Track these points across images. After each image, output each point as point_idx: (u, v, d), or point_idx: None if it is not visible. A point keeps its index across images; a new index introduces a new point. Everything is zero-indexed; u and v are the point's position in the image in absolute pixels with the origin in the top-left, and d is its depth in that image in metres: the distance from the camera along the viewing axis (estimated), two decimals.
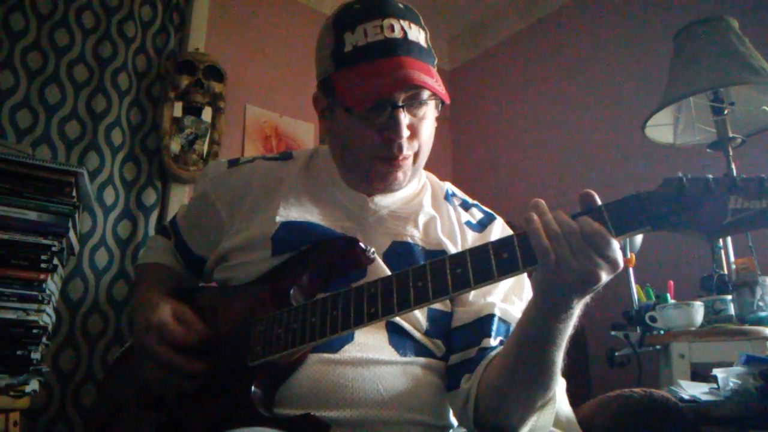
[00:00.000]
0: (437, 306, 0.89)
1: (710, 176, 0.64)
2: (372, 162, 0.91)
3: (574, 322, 0.72)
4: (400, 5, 0.91)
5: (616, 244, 0.64)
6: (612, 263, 0.64)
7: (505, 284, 0.91)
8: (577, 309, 0.70)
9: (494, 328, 0.86)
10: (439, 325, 0.89)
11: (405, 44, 0.87)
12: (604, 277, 0.64)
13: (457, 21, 3.28)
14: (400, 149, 0.89)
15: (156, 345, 0.86)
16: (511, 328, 0.87)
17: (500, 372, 0.79)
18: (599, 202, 0.67)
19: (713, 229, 0.64)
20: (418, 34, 0.90)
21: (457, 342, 0.88)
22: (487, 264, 0.68)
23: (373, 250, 0.87)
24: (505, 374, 0.78)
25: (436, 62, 0.93)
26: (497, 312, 0.87)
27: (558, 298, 0.68)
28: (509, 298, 0.91)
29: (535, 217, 0.66)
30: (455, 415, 0.89)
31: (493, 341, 0.85)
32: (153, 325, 0.87)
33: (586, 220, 0.65)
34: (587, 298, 0.69)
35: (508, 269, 0.67)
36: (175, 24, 2.43)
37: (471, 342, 0.86)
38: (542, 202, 0.68)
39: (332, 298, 0.77)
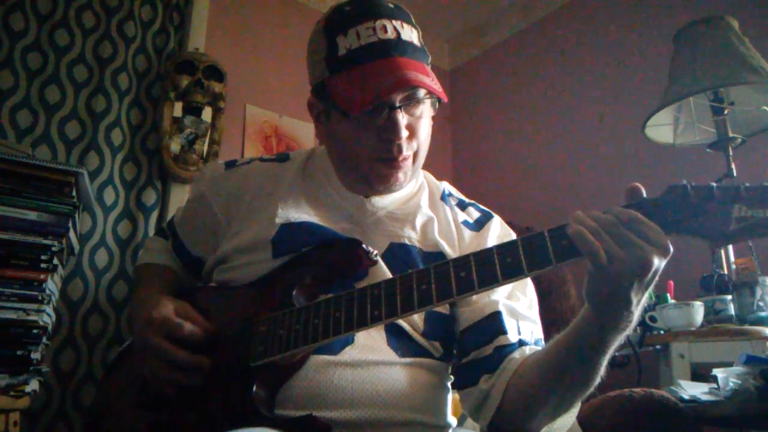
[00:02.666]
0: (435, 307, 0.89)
1: (714, 184, 0.64)
2: (372, 164, 0.91)
3: (631, 327, 0.69)
4: (390, 5, 0.91)
5: (658, 228, 0.63)
6: (660, 246, 0.62)
7: None
8: (636, 315, 0.67)
9: (506, 324, 0.86)
10: (436, 326, 0.90)
11: (399, 44, 0.86)
12: (656, 261, 0.62)
13: (457, 21, 3.28)
14: (400, 150, 0.89)
15: (159, 340, 0.85)
16: (520, 324, 0.88)
17: (541, 381, 0.78)
18: (644, 194, 0.67)
19: (717, 236, 0.64)
20: (411, 34, 0.89)
21: (469, 343, 0.88)
22: (491, 268, 0.68)
23: (376, 252, 0.87)
24: (546, 382, 0.77)
25: (430, 60, 0.93)
26: (502, 309, 0.87)
27: (616, 302, 0.65)
28: (513, 295, 0.91)
29: (574, 224, 0.65)
30: (467, 411, 0.89)
31: (511, 338, 0.85)
32: (156, 321, 0.86)
33: (620, 209, 0.65)
34: (644, 300, 0.67)
35: (512, 273, 0.67)
36: (175, 24, 2.43)
37: (483, 340, 0.86)
38: (579, 212, 0.66)
39: (335, 300, 0.77)
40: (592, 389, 0.76)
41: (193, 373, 0.84)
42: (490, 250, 0.69)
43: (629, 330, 0.69)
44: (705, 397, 1.28)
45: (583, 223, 0.64)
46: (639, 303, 0.66)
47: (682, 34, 1.94)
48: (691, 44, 1.88)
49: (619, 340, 0.70)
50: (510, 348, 0.84)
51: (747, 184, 0.63)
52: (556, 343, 0.78)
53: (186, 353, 0.84)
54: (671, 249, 0.63)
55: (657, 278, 0.65)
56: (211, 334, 0.87)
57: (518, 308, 0.89)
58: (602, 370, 0.74)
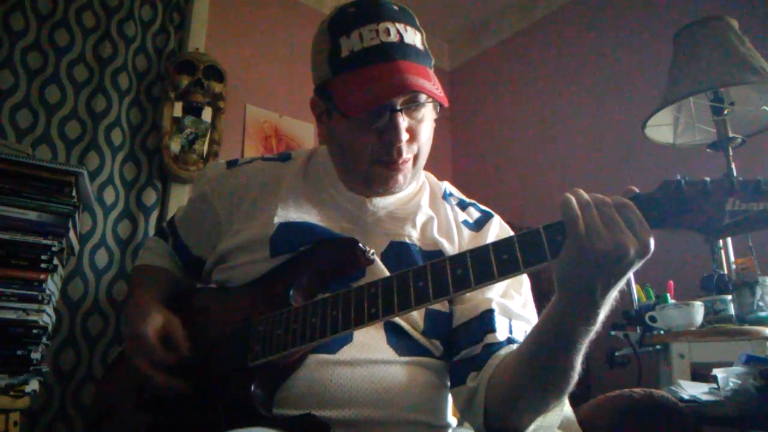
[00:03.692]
0: (435, 306, 0.88)
1: (708, 179, 0.64)
2: (372, 166, 0.91)
3: (596, 326, 0.68)
4: (395, 7, 0.90)
5: (646, 224, 0.63)
6: (642, 242, 0.62)
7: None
8: (602, 310, 0.67)
9: (496, 323, 0.85)
10: (437, 324, 0.89)
11: (401, 48, 0.86)
12: (632, 253, 0.62)
13: (457, 21, 3.29)
14: (400, 153, 0.89)
15: (137, 358, 0.87)
16: (512, 323, 0.87)
17: (513, 373, 0.77)
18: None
19: (711, 230, 0.64)
20: (414, 37, 0.89)
21: (461, 340, 0.88)
22: (487, 265, 0.68)
23: (372, 251, 0.87)
24: (519, 376, 0.77)
25: (433, 63, 0.93)
26: (495, 307, 0.87)
27: (581, 285, 0.64)
28: (508, 293, 0.91)
29: (567, 193, 0.66)
30: (459, 410, 0.89)
31: (500, 336, 0.84)
32: (137, 337, 0.88)
33: (616, 196, 0.65)
34: (610, 299, 0.66)
35: (508, 270, 0.67)
36: (175, 24, 2.44)
37: (474, 339, 0.86)
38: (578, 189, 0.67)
39: (332, 299, 0.77)
40: (570, 386, 0.75)
41: (166, 391, 0.85)
42: (486, 246, 0.69)
43: (594, 323, 0.68)
44: (705, 397, 1.28)
45: (575, 194, 0.65)
46: (604, 296, 0.65)
47: (682, 34, 1.94)
48: (691, 44, 1.88)
49: (586, 335, 0.69)
50: (498, 346, 0.84)
51: (741, 178, 0.63)
52: (528, 335, 0.79)
53: (160, 375, 0.85)
54: (651, 250, 0.63)
55: (626, 277, 0.64)
56: (185, 358, 0.88)
57: (512, 307, 0.88)
58: (577, 366, 0.72)
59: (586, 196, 0.65)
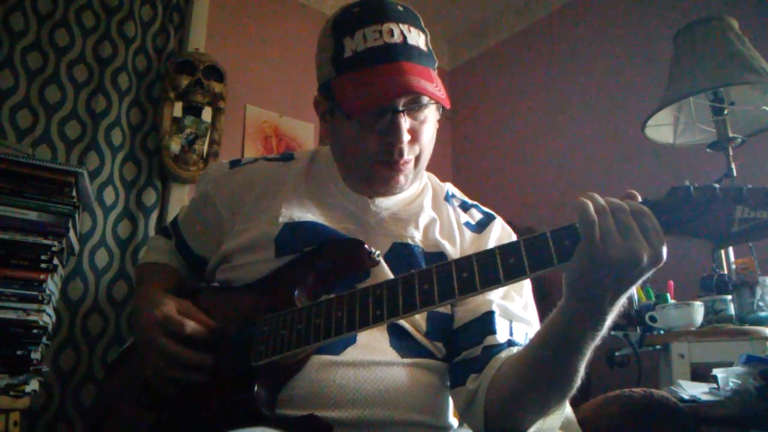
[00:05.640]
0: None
1: (717, 186, 0.64)
2: (373, 166, 0.91)
3: (603, 332, 0.68)
4: (400, 8, 0.91)
5: (661, 233, 0.63)
6: (655, 250, 0.62)
7: None
8: (609, 316, 0.67)
9: (496, 325, 0.86)
10: (439, 327, 0.89)
11: (404, 49, 0.86)
12: (645, 260, 0.62)
13: (457, 21, 3.29)
14: (401, 153, 0.89)
15: (162, 338, 0.85)
16: (513, 325, 0.87)
17: (516, 376, 0.77)
18: (639, 199, 0.67)
19: (720, 238, 0.64)
20: (417, 38, 0.89)
21: (461, 342, 0.88)
22: (493, 269, 0.67)
23: (378, 252, 0.87)
24: (521, 379, 0.77)
25: (436, 64, 0.93)
26: (495, 309, 0.87)
27: (591, 291, 0.65)
28: (509, 295, 0.91)
29: (582, 197, 0.65)
30: (458, 412, 0.89)
31: (500, 338, 0.84)
32: (158, 319, 0.87)
33: (633, 202, 0.65)
34: (618, 306, 0.66)
35: (514, 274, 0.67)
36: (175, 24, 2.43)
37: (474, 340, 0.86)
38: (593, 193, 0.67)
39: (337, 300, 0.77)
40: (573, 390, 0.75)
41: (195, 371, 0.84)
42: (492, 250, 0.69)
43: (601, 329, 0.68)
44: (705, 397, 1.28)
45: (592, 198, 0.65)
46: (613, 303, 0.66)
47: (682, 34, 1.94)
48: (691, 44, 1.88)
49: (592, 341, 0.69)
50: (498, 348, 0.84)
51: (749, 186, 0.63)
52: (533, 338, 0.78)
53: (188, 351, 0.84)
54: (664, 259, 0.63)
55: (636, 285, 0.64)
56: (214, 331, 0.87)
57: (512, 309, 0.88)
58: (581, 370, 0.73)
59: (602, 201, 0.65)
